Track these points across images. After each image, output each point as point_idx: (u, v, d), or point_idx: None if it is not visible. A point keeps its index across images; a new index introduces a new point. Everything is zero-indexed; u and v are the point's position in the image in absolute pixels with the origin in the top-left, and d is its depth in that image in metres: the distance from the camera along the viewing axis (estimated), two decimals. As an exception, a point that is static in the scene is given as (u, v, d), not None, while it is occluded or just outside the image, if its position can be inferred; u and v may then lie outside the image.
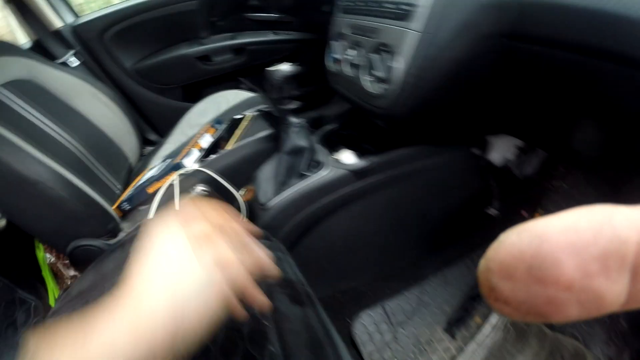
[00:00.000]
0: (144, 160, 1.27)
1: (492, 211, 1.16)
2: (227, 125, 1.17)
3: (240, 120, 1.18)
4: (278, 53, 1.48)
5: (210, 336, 0.60)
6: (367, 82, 0.83)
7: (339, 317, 1.07)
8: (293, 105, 0.94)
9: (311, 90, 1.39)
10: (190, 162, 1.06)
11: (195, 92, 1.55)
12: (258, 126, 1.14)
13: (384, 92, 0.78)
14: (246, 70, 1.53)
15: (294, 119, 0.93)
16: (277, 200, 0.88)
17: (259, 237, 0.46)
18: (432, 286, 1.15)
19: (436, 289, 1.15)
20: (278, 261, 0.71)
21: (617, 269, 0.15)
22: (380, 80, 0.79)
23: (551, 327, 1.10)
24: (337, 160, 0.90)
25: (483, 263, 0.17)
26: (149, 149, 1.40)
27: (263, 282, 0.68)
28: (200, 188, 0.99)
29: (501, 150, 1.10)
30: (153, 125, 1.58)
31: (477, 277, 0.18)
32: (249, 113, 1.21)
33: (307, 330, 0.60)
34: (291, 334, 0.59)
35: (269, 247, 0.75)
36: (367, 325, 1.07)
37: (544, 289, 0.15)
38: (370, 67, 0.82)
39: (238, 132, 1.16)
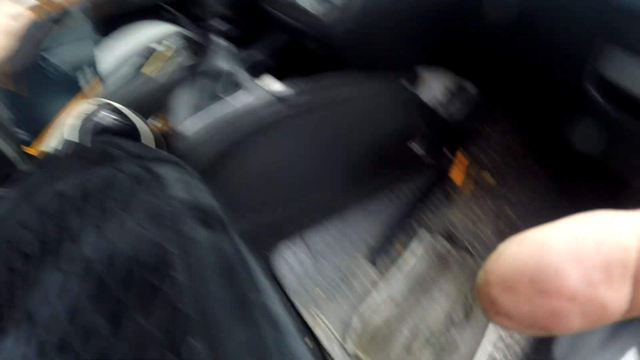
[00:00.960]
0: None
1: (416, 147, 1.18)
2: (145, 56, 1.08)
3: (159, 50, 1.10)
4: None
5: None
6: (307, 1, 0.79)
7: (258, 250, 1.05)
8: (217, 24, 0.87)
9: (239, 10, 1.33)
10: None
11: (109, 25, 1.42)
12: (178, 55, 1.06)
13: (324, 11, 0.74)
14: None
15: (215, 39, 0.86)
16: (193, 127, 0.82)
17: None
18: (353, 217, 1.19)
19: (357, 219, 1.19)
20: (187, 185, 0.66)
21: (620, 277, 0.14)
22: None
23: (471, 253, 1.18)
24: (260, 86, 0.85)
25: (482, 276, 0.17)
26: None
27: (168, 208, 0.63)
28: (104, 113, 0.91)
29: (432, 89, 1.12)
30: None
31: (476, 289, 0.17)
32: (169, 43, 1.12)
33: (219, 256, 0.56)
34: (199, 259, 0.55)
35: (188, 178, 0.70)
36: (288, 257, 1.10)
37: (547, 301, 0.15)
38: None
39: (155, 62, 1.07)
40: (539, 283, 0.15)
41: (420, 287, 1.10)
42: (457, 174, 1.30)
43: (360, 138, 1.05)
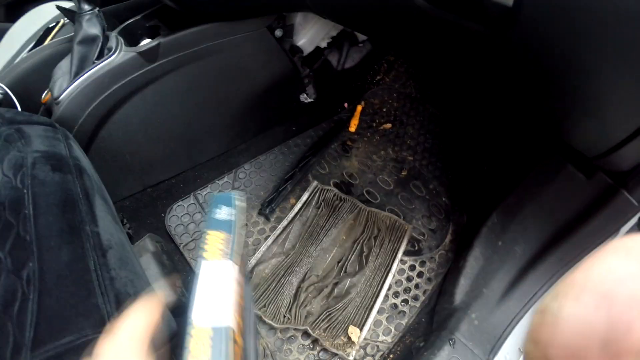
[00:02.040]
0: None
1: (305, 98, 1.23)
2: (39, 37, 1.13)
3: (53, 27, 1.14)
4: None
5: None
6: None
7: (151, 212, 1.11)
8: None
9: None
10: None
11: (18, 10, 1.45)
12: (70, 29, 1.11)
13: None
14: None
15: (85, 6, 0.91)
16: (68, 92, 0.88)
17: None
18: (245, 173, 1.25)
19: (250, 175, 1.24)
20: (47, 140, 0.74)
21: None
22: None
23: (366, 202, 1.20)
24: (128, 47, 0.91)
25: (534, 352, 0.15)
26: None
27: (28, 159, 0.71)
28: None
29: (311, 36, 1.16)
30: None
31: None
32: (63, 20, 1.17)
33: (62, 192, 0.66)
34: (44, 195, 0.64)
35: (51, 135, 0.78)
36: (181, 216, 1.15)
37: None
38: None
39: (48, 39, 1.12)
40: (612, 346, 0.13)
41: (310, 236, 1.14)
42: (353, 123, 1.36)
43: (236, 88, 1.11)
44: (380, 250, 1.12)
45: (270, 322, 0.99)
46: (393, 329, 1.02)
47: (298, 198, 1.19)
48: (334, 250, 1.12)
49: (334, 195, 1.20)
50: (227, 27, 0.97)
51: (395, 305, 1.06)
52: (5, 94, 0.98)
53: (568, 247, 0.90)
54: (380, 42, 1.34)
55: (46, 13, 1.28)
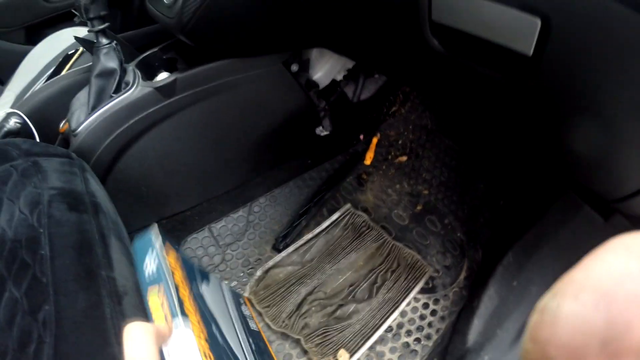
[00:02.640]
0: None
1: (321, 131, 1.24)
2: (58, 63, 1.17)
3: (72, 55, 1.18)
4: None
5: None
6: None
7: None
8: (101, 25, 0.95)
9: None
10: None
11: (38, 34, 1.51)
12: (89, 57, 1.14)
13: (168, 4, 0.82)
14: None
15: (103, 40, 0.94)
16: (86, 124, 0.90)
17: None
18: (260, 207, 1.26)
19: (265, 209, 1.26)
20: (64, 175, 0.76)
21: None
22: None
23: (390, 234, 1.22)
24: (146, 81, 0.93)
25: (533, 351, 0.15)
26: None
27: (45, 196, 0.73)
28: (12, 120, 1.00)
29: (327, 70, 1.18)
30: None
31: None
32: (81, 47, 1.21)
33: (78, 233, 0.67)
34: (60, 237, 0.65)
35: (67, 169, 0.79)
36: (195, 249, 1.16)
37: None
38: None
39: (67, 67, 1.16)
40: (612, 345, 0.13)
41: (329, 254, 1.17)
42: (368, 155, 1.38)
43: (252, 123, 1.13)
44: (393, 285, 1.12)
45: (269, 322, 1.04)
46: (404, 369, 1.02)
47: (312, 232, 1.21)
48: (348, 274, 1.14)
49: (363, 221, 1.23)
50: (243, 62, 0.99)
51: (407, 344, 1.05)
52: (24, 122, 1.01)
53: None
54: (396, 77, 1.36)
55: (66, 39, 1.32)
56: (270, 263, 1.14)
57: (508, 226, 1.15)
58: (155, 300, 0.44)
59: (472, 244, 1.22)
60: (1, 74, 1.53)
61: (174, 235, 1.16)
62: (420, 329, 1.07)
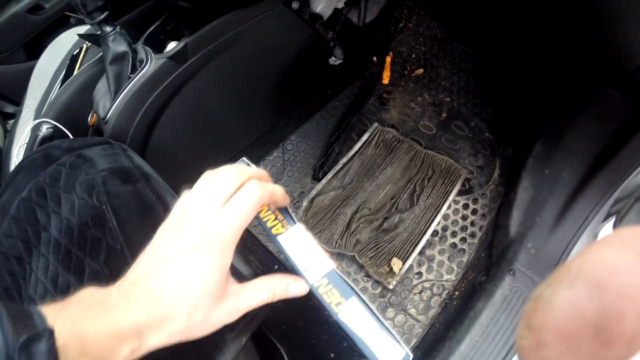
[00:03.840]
0: (9, 136, 1.32)
1: (334, 61, 1.28)
2: (67, 66, 1.23)
3: (78, 54, 1.24)
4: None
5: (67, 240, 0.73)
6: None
7: None
8: (102, 15, 0.99)
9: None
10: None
11: (37, 47, 1.55)
12: (95, 51, 1.20)
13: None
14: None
15: (107, 28, 0.99)
16: (113, 109, 0.97)
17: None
18: (293, 144, 1.33)
19: (297, 145, 1.32)
20: (109, 157, 0.83)
21: None
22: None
23: (420, 144, 1.27)
24: (157, 54, 0.98)
25: (527, 336, 0.16)
26: (11, 122, 1.44)
27: (98, 178, 0.80)
28: (43, 127, 1.08)
29: (327, 0, 1.19)
30: (7, 97, 1.59)
31: (520, 349, 0.17)
32: (86, 45, 1.26)
33: (137, 200, 0.75)
34: (122, 207, 0.73)
35: (110, 152, 0.87)
36: None
37: (610, 352, 0.14)
38: None
39: (77, 67, 1.21)
40: (604, 332, 0.14)
41: (367, 173, 1.24)
42: (385, 75, 1.40)
43: (267, 67, 1.18)
44: (432, 191, 1.19)
45: (323, 245, 1.08)
46: (455, 267, 1.10)
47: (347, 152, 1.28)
48: (388, 188, 1.22)
49: (393, 136, 1.29)
50: (245, 12, 1.02)
51: (454, 245, 1.13)
52: (55, 127, 1.08)
53: (613, 168, 0.93)
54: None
55: (66, 42, 1.37)
56: (314, 192, 1.21)
57: (533, 119, 1.18)
58: (267, 213, 0.52)
59: (500, 141, 1.26)
60: (14, 96, 1.59)
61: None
62: (464, 229, 1.15)
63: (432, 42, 1.46)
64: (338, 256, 1.13)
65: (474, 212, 1.16)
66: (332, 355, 1.05)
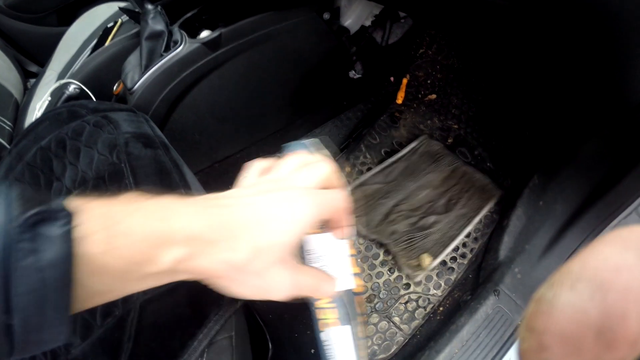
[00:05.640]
0: (29, 93, 1.37)
1: (354, 74, 1.34)
2: (99, 36, 1.29)
3: (112, 27, 1.30)
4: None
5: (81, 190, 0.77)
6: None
7: (219, 184, 1.25)
8: None
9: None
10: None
11: (70, 14, 1.61)
12: (129, 26, 1.26)
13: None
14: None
15: (149, 6, 1.05)
16: (141, 82, 1.02)
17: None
18: None
19: None
20: (133, 123, 0.88)
21: None
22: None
23: (465, 161, 1.34)
24: (191, 38, 1.04)
25: (529, 339, 0.16)
26: (32, 81, 1.50)
27: (120, 139, 0.85)
28: (71, 87, 1.13)
29: (356, 16, 1.26)
30: (33, 56, 1.65)
31: (521, 352, 0.16)
32: (121, 19, 1.32)
33: (156, 164, 0.80)
34: (141, 167, 0.78)
35: (134, 118, 0.92)
36: None
37: (613, 355, 0.14)
38: None
39: (109, 38, 1.28)
40: (607, 334, 0.14)
41: (410, 174, 1.31)
42: (399, 95, 1.47)
43: (291, 70, 1.24)
44: (467, 202, 1.25)
45: (361, 228, 1.20)
46: (443, 284, 1.14)
47: (352, 166, 1.35)
48: (428, 191, 1.28)
49: (439, 149, 1.36)
50: (279, 14, 1.09)
51: (444, 262, 1.17)
52: (81, 89, 1.14)
53: (605, 205, 0.98)
54: (421, 20, 1.43)
55: (101, 14, 1.43)
56: (357, 182, 1.28)
57: (533, 154, 1.24)
58: None
59: (500, 172, 1.31)
60: (39, 56, 1.65)
61: (227, 176, 1.29)
62: (455, 249, 1.19)
63: (448, 71, 1.51)
64: (375, 242, 1.21)
65: (467, 234, 1.21)
66: (312, 350, 1.08)
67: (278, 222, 0.33)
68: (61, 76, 1.28)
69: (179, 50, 1.03)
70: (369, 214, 1.23)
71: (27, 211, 0.26)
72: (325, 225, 0.43)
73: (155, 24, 1.07)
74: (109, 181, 0.76)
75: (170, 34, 1.08)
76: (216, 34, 1.04)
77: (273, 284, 0.35)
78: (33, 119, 1.09)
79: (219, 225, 0.32)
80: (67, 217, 0.28)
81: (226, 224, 0.32)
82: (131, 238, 0.29)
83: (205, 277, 0.34)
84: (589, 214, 1.01)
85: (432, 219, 1.23)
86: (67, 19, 1.59)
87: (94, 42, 1.30)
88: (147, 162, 0.79)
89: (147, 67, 1.06)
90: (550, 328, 0.15)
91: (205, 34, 1.10)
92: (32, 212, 0.26)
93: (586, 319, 0.14)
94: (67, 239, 0.27)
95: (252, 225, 0.33)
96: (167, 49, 1.07)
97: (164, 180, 0.76)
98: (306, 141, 0.49)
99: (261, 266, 0.33)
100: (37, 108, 1.19)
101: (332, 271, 0.43)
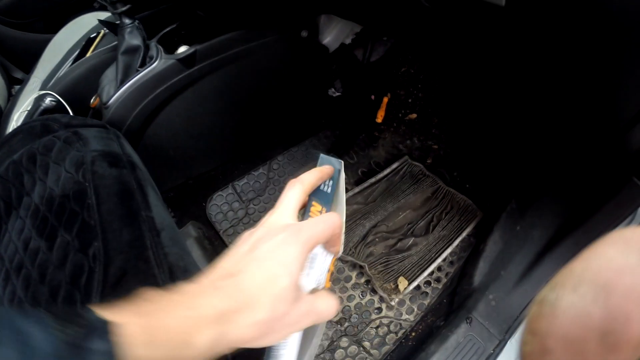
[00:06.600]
0: (12, 100, 1.36)
1: (333, 92, 1.34)
2: (82, 47, 1.28)
3: (95, 38, 1.29)
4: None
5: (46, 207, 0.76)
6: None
7: (193, 202, 1.25)
8: (124, 7, 1.05)
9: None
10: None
11: (57, 22, 1.60)
12: (111, 38, 1.25)
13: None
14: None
15: (126, 20, 1.05)
16: (116, 97, 1.02)
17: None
18: (279, 164, 1.38)
19: (283, 166, 1.38)
20: (103, 140, 0.87)
21: None
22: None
23: (444, 181, 1.34)
24: (167, 54, 1.04)
25: (532, 342, 0.15)
26: (17, 87, 1.48)
27: (87, 157, 0.84)
28: (47, 99, 1.12)
29: (335, 34, 1.26)
30: (19, 63, 1.64)
31: (523, 356, 0.16)
32: (104, 30, 1.32)
33: (119, 184, 0.79)
34: (104, 187, 0.78)
35: (104, 135, 0.91)
36: (220, 205, 1.29)
37: (617, 357, 0.14)
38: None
39: (91, 49, 1.27)
40: (611, 337, 0.14)
41: (390, 195, 1.31)
42: (380, 114, 1.47)
43: (267, 87, 1.24)
44: (447, 224, 1.25)
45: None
46: (416, 309, 1.13)
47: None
48: (407, 212, 1.29)
49: (420, 170, 1.37)
50: (255, 32, 1.09)
51: (418, 287, 1.16)
52: (58, 101, 1.13)
53: (582, 232, 0.97)
54: (402, 39, 1.43)
55: (87, 24, 1.42)
56: None
57: (512, 177, 1.24)
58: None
59: (479, 194, 1.31)
60: (24, 63, 1.62)
61: (201, 193, 1.28)
62: (430, 273, 1.18)
63: (430, 90, 1.51)
64: (349, 264, 1.19)
65: (444, 258, 1.20)
66: None
67: (278, 267, 0.36)
68: (44, 84, 1.28)
69: (154, 66, 1.03)
70: (347, 235, 1.22)
71: (67, 329, 0.28)
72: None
73: (132, 38, 1.06)
74: (74, 200, 0.76)
75: (147, 48, 1.08)
76: (191, 50, 1.03)
77: (299, 319, 0.38)
78: (10, 129, 1.08)
79: (234, 294, 0.35)
80: (104, 326, 0.29)
81: (240, 291, 0.35)
82: (169, 330, 0.32)
83: (242, 344, 0.36)
84: (567, 241, 1.00)
85: (410, 240, 1.22)
86: (54, 26, 1.57)
87: (77, 52, 1.29)
88: (111, 182, 0.78)
89: (122, 82, 1.05)
90: (553, 331, 0.15)
91: (183, 49, 1.09)
92: (76, 333, 0.28)
93: (589, 321, 0.14)
94: (112, 346, 0.28)
95: (263, 282, 0.36)
96: (143, 64, 1.06)
97: (125, 200, 0.76)
98: (335, 160, 0.51)
99: (284, 309, 0.36)
100: (15, 119, 1.18)
101: (309, 283, 0.45)
